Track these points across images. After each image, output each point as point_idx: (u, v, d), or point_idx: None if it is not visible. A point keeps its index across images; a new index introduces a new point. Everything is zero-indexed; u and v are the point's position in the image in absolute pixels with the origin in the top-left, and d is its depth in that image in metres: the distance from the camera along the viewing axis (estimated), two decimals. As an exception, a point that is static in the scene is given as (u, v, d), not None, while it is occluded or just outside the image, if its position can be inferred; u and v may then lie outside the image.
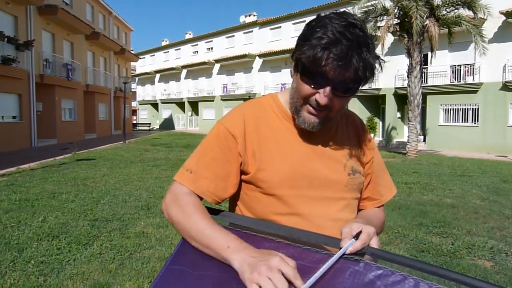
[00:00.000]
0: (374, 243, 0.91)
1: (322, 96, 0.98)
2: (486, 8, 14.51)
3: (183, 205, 1.04)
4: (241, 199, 1.14)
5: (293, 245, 0.92)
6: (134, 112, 50.14)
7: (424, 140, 22.33)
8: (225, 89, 37.05)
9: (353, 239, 0.90)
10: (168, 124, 46.02)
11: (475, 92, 19.98)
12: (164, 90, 46.68)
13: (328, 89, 0.97)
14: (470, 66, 20.28)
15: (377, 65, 0.99)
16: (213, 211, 1.09)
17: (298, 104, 1.05)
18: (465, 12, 15.43)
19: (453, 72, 21.08)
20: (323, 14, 1.00)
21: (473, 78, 20.16)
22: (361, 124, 1.26)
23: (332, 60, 0.92)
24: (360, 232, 0.91)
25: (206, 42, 41.03)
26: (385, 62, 1.04)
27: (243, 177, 1.11)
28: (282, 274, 0.79)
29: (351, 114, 1.25)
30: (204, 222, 0.99)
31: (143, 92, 51.23)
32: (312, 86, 0.99)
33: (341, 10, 1.01)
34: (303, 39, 0.99)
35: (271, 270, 0.79)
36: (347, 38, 0.92)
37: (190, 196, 1.06)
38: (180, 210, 1.03)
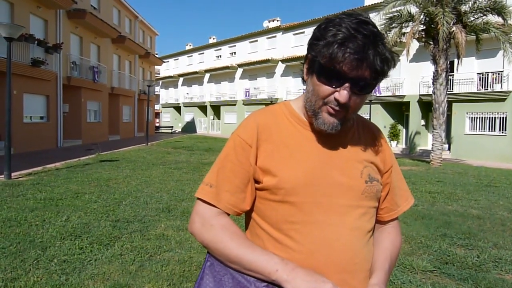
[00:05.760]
0: None
1: (341, 94, 0.98)
2: (516, 15, 14.14)
3: (216, 231, 1.04)
4: (256, 208, 1.12)
5: None
6: (157, 114, 50.80)
7: (449, 149, 21.86)
8: (247, 93, 37.18)
9: None
10: (190, 127, 46.46)
11: (503, 100, 19.46)
12: (187, 93, 47.17)
13: (347, 86, 0.97)
14: (498, 74, 19.78)
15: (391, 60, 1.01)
16: None
17: (317, 106, 1.04)
18: (493, 18, 15.06)
19: (480, 80, 20.60)
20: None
21: (501, 86, 19.65)
22: (379, 132, 1.23)
23: (349, 55, 0.93)
24: None
25: (229, 47, 41.31)
26: (398, 56, 1.05)
27: (257, 185, 1.10)
28: None
29: (367, 122, 1.24)
30: (243, 247, 1.01)
31: (166, 95, 51.91)
32: (331, 85, 0.99)
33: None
34: (316, 39, 1.00)
35: None
36: (362, 33, 0.94)
37: (220, 218, 1.06)
38: (214, 236, 1.04)
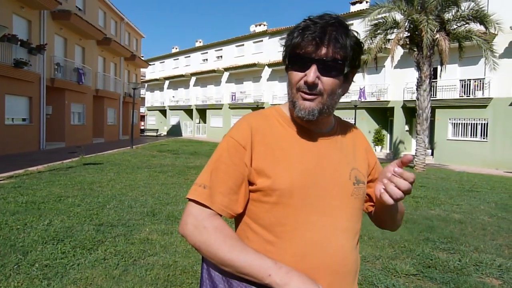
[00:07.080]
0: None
1: (308, 75, 1.03)
2: (497, 24, 14.48)
3: (209, 233, 1.02)
4: (248, 211, 1.11)
5: None
6: (142, 117, 50.40)
7: (432, 154, 22.18)
8: (233, 97, 37.17)
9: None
10: (175, 130, 46.19)
11: (484, 107, 19.85)
12: (173, 96, 46.93)
13: (313, 67, 1.03)
14: (480, 81, 20.18)
15: (355, 43, 1.07)
16: None
17: (293, 95, 1.09)
18: (476, 26, 15.40)
19: (462, 86, 20.98)
20: None
21: (483, 93, 20.04)
22: (361, 133, 1.30)
23: (308, 36, 1.02)
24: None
25: (216, 50, 41.27)
26: (363, 42, 1.13)
27: (251, 187, 1.09)
28: None
29: (349, 124, 1.30)
30: (236, 251, 0.99)
31: (151, 98, 51.55)
32: (300, 70, 1.06)
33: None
34: (285, 40, 1.11)
35: None
36: (321, 20, 1.04)
37: (213, 220, 1.04)
38: (207, 239, 1.02)
